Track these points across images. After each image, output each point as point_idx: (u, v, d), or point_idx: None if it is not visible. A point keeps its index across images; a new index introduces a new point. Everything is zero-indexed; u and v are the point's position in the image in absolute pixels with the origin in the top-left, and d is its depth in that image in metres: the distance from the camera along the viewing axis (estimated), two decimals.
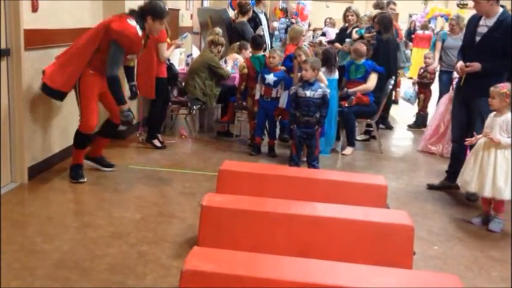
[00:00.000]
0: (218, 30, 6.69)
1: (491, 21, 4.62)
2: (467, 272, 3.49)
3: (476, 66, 4.62)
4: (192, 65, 6.59)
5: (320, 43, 8.25)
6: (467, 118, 4.88)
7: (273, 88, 5.87)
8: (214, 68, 6.28)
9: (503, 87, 4.17)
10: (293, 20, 11.00)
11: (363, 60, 6.35)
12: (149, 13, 4.30)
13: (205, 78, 6.30)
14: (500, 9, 4.61)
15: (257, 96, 6.00)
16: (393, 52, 6.81)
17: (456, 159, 5.12)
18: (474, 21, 4.80)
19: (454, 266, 3.58)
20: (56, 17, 4.79)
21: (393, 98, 10.07)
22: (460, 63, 4.76)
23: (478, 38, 4.69)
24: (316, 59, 5.42)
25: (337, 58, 6.33)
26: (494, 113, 4.23)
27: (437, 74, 7.99)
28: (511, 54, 4.53)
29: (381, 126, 7.50)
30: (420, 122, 8.07)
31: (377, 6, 8.12)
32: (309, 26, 13.73)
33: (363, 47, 6.41)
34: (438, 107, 6.66)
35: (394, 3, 8.02)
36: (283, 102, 5.83)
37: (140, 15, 4.33)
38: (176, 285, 2.66)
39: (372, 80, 6.29)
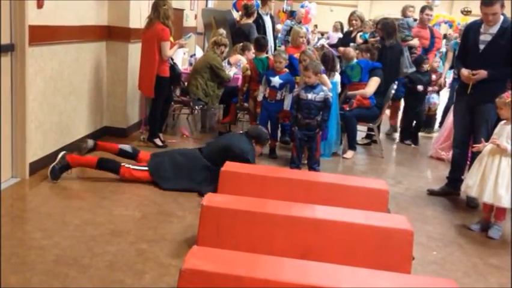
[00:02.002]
0: (221, 31, 6.70)
1: (494, 29, 4.62)
2: (465, 278, 3.50)
3: (483, 73, 4.63)
4: (195, 65, 6.60)
5: (322, 47, 8.24)
6: (471, 124, 4.88)
7: (278, 90, 5.87)
8: (215, 68, 6.29)
9: (508, 96, 4.20)
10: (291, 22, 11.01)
11: (355, 60, 6.40)
12: (254, 138, 4.90)
13: (207, 78, 6.31)
14: (502, 17, 4.63)
15: (260, 98, 6.00)
16: (396, 58, 6.80)
17: (457, 165, 5.13)
18: (474, 29, 4.80)
19: (452, 271, 3.58)
20: (61, 14, 4.81)
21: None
22: (467, 71, 4.75)
23: (482, 46, 4.69)
24: (317, 62, 5.44)
25: (336, 61, 6.33)
26: (504, 121, 4.25)
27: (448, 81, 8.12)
28: None
29: (407, 142, 7.31)
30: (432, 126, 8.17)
31: (402, 12, 7.90)
32: (315, 27, 13.73)
33: (350, 50, 6.55)
34: (450, 115, 6.64)
35: (430, 9, 7.70)
36: (287, 105, 5.84)
37: (249, 137, 4.90)
38: (174, 285, 2.67)
39: (371, 86, 6.30)
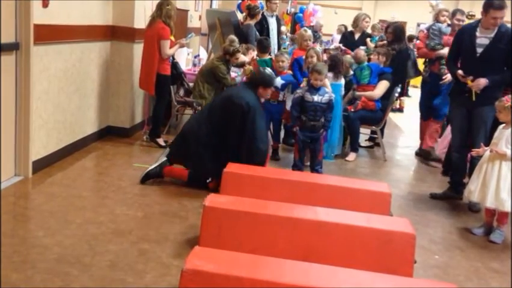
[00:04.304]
0: (233, 37, 6.58)
1: (491, 33, 4.63)
2: (467, 282, 3.49)
3: (483, 82, 4.60)
4: (201, 67, 6.64)
5: (338, 49, 8.13)
6: (469, 127, 4.88)
7: (280, 91, 5.87)
8: (219, 77, 6.27)
9: (507, 100, 4.19)
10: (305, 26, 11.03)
11: (365, 62, 6.41)
12: (260, 83, 4.75)
13: (205, 81, 6.31)
14: None
15: (262, 99, 5.99)
16: (403, 62, 6.75)
17: (457, 169, 5.12)
18: (468, 32, 4.78)
19: (453, 275, 3.57)
20: (66, 13, 4.82)
21: (397, 106, 10.11)
22: (460, 71, 4.74)
23: (479, 50, 4.68)
24: (323, 64, 5.42)
25: (343, 64, 6.31)
26: (503, 125, 4.24)
27: None
28: None
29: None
30: None
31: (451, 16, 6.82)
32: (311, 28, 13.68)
33: (361, 52, 6.52)
34: None
35: (462, 13, 6.54)
36: (289, 105, 5.84)
37: (254, 85, 4.76)
38: (176, 285, 2.67)
39: (380, 88, 6.29)
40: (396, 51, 6.59)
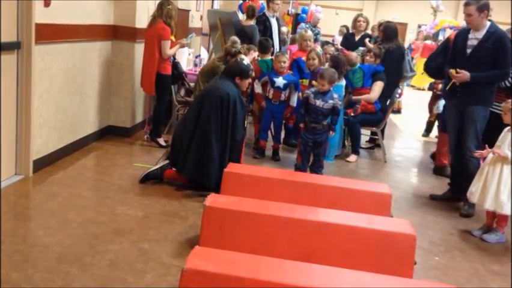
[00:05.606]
0: (235, 39, 6.55)
1: (480, 34, 4.71)
2: (467, 284, 3.49)
3: (466, 74, 4.66)
4: (202, 68, 6.64)
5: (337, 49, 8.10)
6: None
7: (282, 91, 5.87)
8: None
9: None
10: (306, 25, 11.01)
11: (357, 65, 6.38)
12: (237, 74, 4.73)
13: (206, 81, 6.30)
14: (489, 23, 4.70)
15: (258, 90, 6.00)
16: (397, 62, 6.73)
17: (456, 170, 5.11)
18: (463, 35, 4.88)
19: (454, 277, 3.57)
20: (67, 13, 4.82)
21: (395, 107, 10.08)
22: (450, 70, 4.80)
23: (468, 50, 4.76)
24: (333, 71, 5.20)
25: (346, 65, 6.30)
26: (508, 127, 4.25)
27: None
28: (500, 65, 4.63)
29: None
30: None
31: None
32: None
33: (351, 55, 6.49)
34: None
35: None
36: (294, 101, 5.86)
37: (231, 76, 4.73)
38: (176, 284, 2.68)
39: (376, 91, 6.26)
40: (386, 50, 6.56)
